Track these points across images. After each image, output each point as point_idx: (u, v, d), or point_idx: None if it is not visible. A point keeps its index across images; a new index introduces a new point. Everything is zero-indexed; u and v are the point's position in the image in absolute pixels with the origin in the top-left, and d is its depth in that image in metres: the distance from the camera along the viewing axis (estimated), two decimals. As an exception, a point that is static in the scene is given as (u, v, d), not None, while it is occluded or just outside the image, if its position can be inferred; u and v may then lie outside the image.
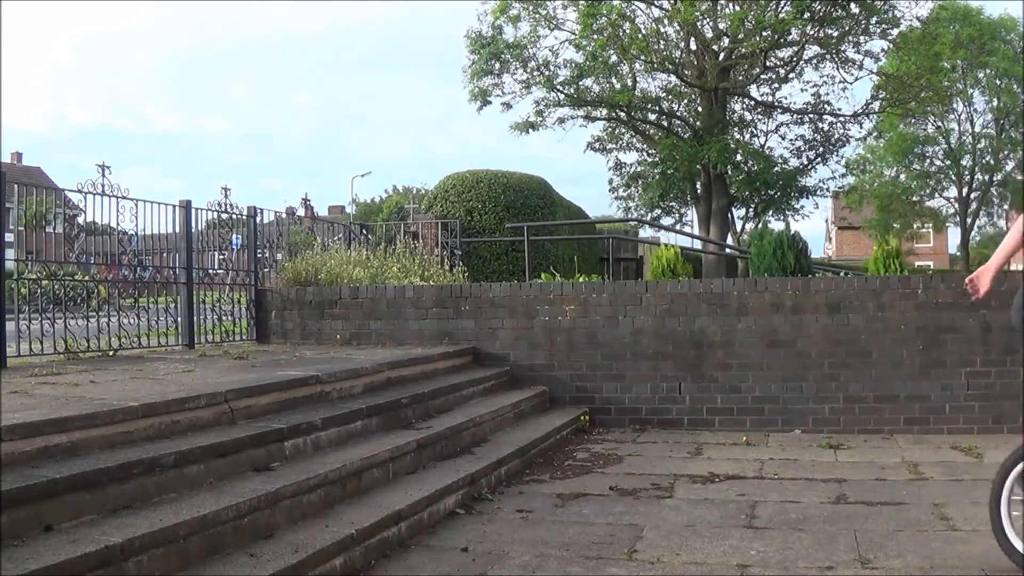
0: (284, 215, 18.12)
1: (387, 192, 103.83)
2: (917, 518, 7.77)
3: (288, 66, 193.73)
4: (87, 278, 12.24)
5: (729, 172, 40.44)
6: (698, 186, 41.88)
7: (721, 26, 38.86)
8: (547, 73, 40.06)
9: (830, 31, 38.12)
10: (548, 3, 39.36)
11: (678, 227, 46.08)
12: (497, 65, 39.79)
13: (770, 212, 43.42)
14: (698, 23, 37.64)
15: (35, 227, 12.03)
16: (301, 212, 54.91)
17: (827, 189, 47.23)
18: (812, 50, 39.85)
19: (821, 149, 44.18)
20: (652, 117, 42.58)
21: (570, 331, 13.19)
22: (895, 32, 38.48)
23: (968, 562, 6.47)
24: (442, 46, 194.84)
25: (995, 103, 57.74)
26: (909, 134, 58.23)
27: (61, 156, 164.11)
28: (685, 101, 43.36)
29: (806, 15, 35.86)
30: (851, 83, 41.17)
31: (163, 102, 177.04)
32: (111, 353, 11.63)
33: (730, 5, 38.75)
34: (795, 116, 43.86)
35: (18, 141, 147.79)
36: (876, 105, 41.59)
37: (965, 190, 61.66)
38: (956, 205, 63.25)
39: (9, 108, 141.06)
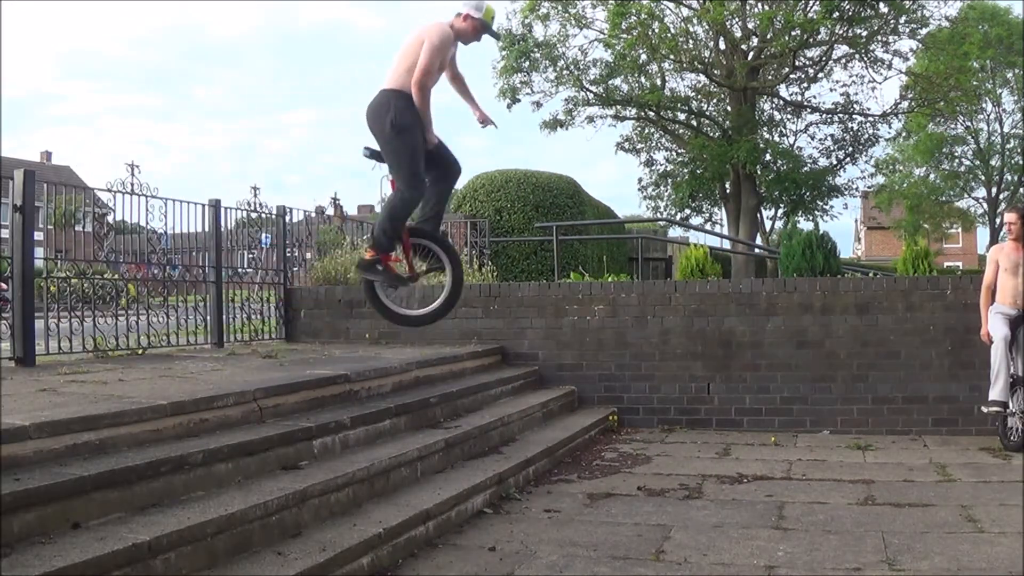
0: (313, 214, 18.11)
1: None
2: (945, 520, 7.74)
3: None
4: (116, 277, 12.27)
5: (758, 172, 40.35)
6: (727, 186, 41.81)
7: (750, 26, 38.83)
8: (576, 72, 40.06)
9: (859, 31, 37.99)
10: (577, 2, 39.43)
11: (707, 227, 46.00)
12: (527, 63, 39.80)
13: (799, 212, 43.29)
14: (727, 23, 37.58)
15: (64, 226, 12.07)
16: (330, 211, 54.86)
17: (856, 189, 47.07)
18: (841, 50, 39.76)
19: (850, 149, 43.98)
20: (681, 117, 42.54)
21: (599, 331, 13.18)
22: (924, 32, 38.34)
23: (995, 564, 6.44)
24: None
25: (1024, 103, 57.50)
26: (938, 134, 57.91)
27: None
28: (714, 101, 43.25)
29: (835, 15, 35.73)
30: (880, 83, 41.08)
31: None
32: (140, 352, 11.65)
33: (759, 5, 38.71)
34: (824, 116, 43.71)
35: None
36: (905, 105, 41.39)
37: (994, 190, 61.35)
38: (985, 205, 62.97)
39: None
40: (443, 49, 8.72)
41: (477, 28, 8.98)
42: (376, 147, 8.92)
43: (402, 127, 8.44)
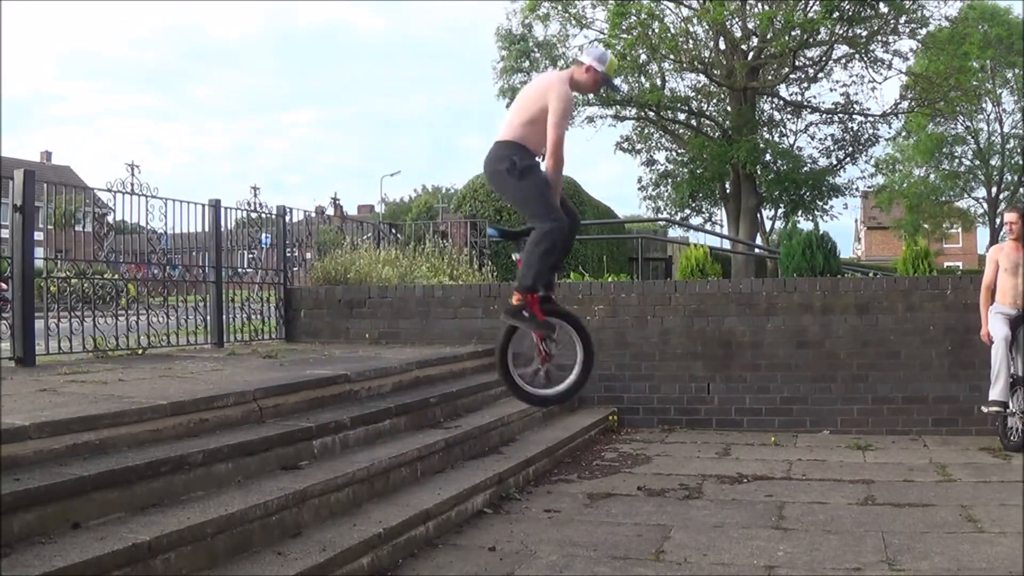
0: (313, 214, 18.13)
1: (416, 192, 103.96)
2: (944, 520, 7.75)
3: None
4: (116, 277, 12.28)
5: (758, 172, 40.36)
6: (727, 186, 41.85)
7: (750, 26, 38.86)
8: (576, 72, 40.05)
9: (859, 31, 38.03)
10: (577, 2, 39.48)
11: (707, 227, 46.02)
12: (527, 63, 39.83)
13: (799, 212, 43.29)
14: (727, 23, 37.61)
15: (64, 226, 12.08)
16: (330, 211, 54.97)
17: (856, 189, 47.05)
18: (841, 50, 39.79)
19: (850, 149, 43.97)
20: (681, 117, 42.56)
21: (599, 331, 13.15)
22: (924, 32, 38.35)
23: (995, 564, 6.45)
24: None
25: (1024, 103, 57.51)
26: (938, 134, 57.89)
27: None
28: (714, 101, 43.26)
29: (835, 15, 35.75)
30: (880, 83, 41.08)
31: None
32: (140, 352, 11.65)
33: (759, 5, 38.74)
34: (824, 116, 43.71)
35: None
36: (905, 105, 41.41)
37: (994, 190, 61.35)
38: (985, 205, 62.96)
39: None
40: (569, 113, 8.60)
41: (599, 81, 8.73)
42: (502, 227, 8.85)
43: (524, 170, 8.23)
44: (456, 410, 10.26)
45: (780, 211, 47.11)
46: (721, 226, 45.15)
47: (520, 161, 8.17)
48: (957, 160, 61.77)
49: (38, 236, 10.77)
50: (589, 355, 8.67)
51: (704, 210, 47.46)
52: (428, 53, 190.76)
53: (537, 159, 8.33)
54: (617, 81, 39.83)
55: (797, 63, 39.25)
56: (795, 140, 44.59)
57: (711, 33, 39.34)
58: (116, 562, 4.87)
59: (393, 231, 20.39)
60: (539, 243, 8.19)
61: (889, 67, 40.08)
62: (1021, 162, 57.98)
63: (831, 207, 45.03)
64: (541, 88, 8.43)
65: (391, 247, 17.50)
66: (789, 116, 44.44)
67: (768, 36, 37.15)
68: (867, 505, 8.35)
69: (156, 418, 6.62)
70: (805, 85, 42.40)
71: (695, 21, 38.80)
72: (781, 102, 43.38)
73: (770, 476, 9.68)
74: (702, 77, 41.27)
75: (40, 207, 11.36)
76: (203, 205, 13.01)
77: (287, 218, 14.63)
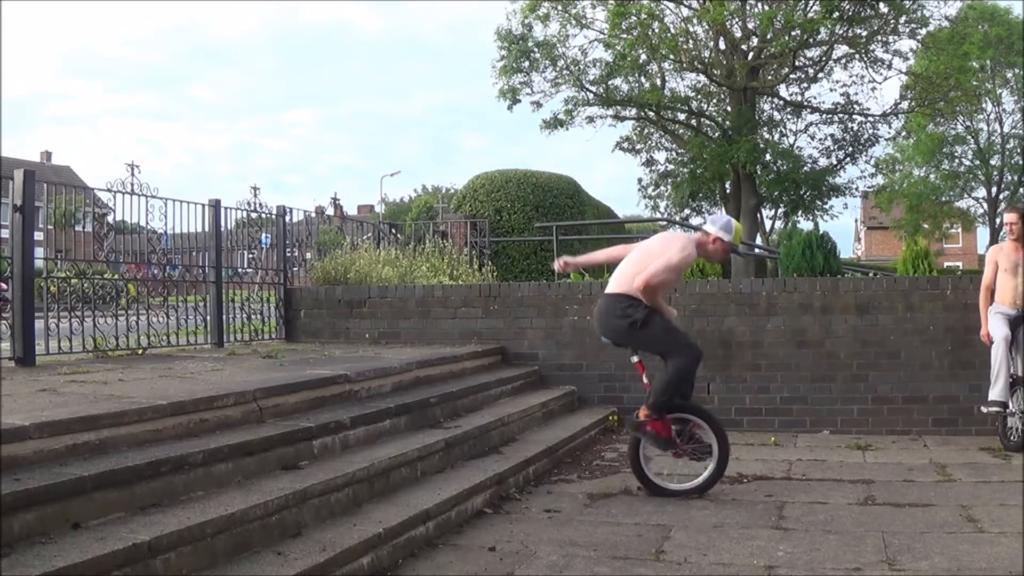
0: (313, 214, 18.14)
1: (416, 192, 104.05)
2: (944, 520, 7.75)
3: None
4: (116, 277, 12.28)
5: (758, 172, 40.35)
6: (727, 186, 41.87)
7: (750, 26, 38.88)
8: (576, 72, 40.11)
9: (859, 31, 38.05)
10: (577, 2, 39.46)
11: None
12: (527, 63, 39.84)
13: (799, 212, 43.30)
14: (727, 23, 37.63)
15: (64, 226, 12.07)
16: (330, 211, 55.05)
17: (856, 189, 47.04)
18: (841, 50, 39.81)
19: (850, 149, 43.96)
20: (681, 117, 42.57)
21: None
22: (924, 32, 38.35)
23: (995, 564, 6.44)
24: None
25: (1024, 103, 57.51)
26: (938, 134, 57.88)
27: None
28: (714, 101, 43.28)
29: (835, 15, 35.78)
30: (880, 83, 41.10)
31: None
32: (140, 352, 11.66)
33: (759, 5, 38.76)
34: (824, 116, 43.73)
35: None
36: (905, 105, 41.43)
37: (994, 190, 61.34)
38: (985, 205, 62.96)
39: None
40: (679, 270, 8.87)
41: (726, 250, 9.02)
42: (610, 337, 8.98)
43: (642, 320, 8.59)
44: (456, 410, 10.27)
45: (780, 211, 47.16)
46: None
47: (635, 313, 8.59)
48: (957, 160, 61.77)
49: (38, 236, 10.76)
50: (724, 451, 8.88)
51: (704, 210, 47.51)
52: (428, 53, 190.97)
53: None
54: (617, 80, 40.05)
55: (797, 63, 39.26)
56: (795, 140, 44.65)
57: (711, 33, 39.34)
58: (116, 562, 4.87)
59: (393, 231, 20.40)
60: (676, 375, 8.70)
61: (889, 67, 40.14)
62: (1021, 162, 58.00)
63: (831, 207, 45.09)
64: (666, 243, 8.81)
65: (391, 247, 17.51)
66: (789, 116, 44.47)
67: (768, 36, 37.14)
68: (867, 505, 8.34)
69: (156, 418, 6.62)
70: (805, 85, 42.46)
71: (695, 21, 38.81)
72: (781, 102, 43.39)
73: (770, 476, 9.67)
74: (702, 77, 41.30)
75: (40, 207, 11.37)
76: (203, 205, 13.02)
77: (287, 218, 14.64)
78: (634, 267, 8.72)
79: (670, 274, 8.67)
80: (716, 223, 8.97)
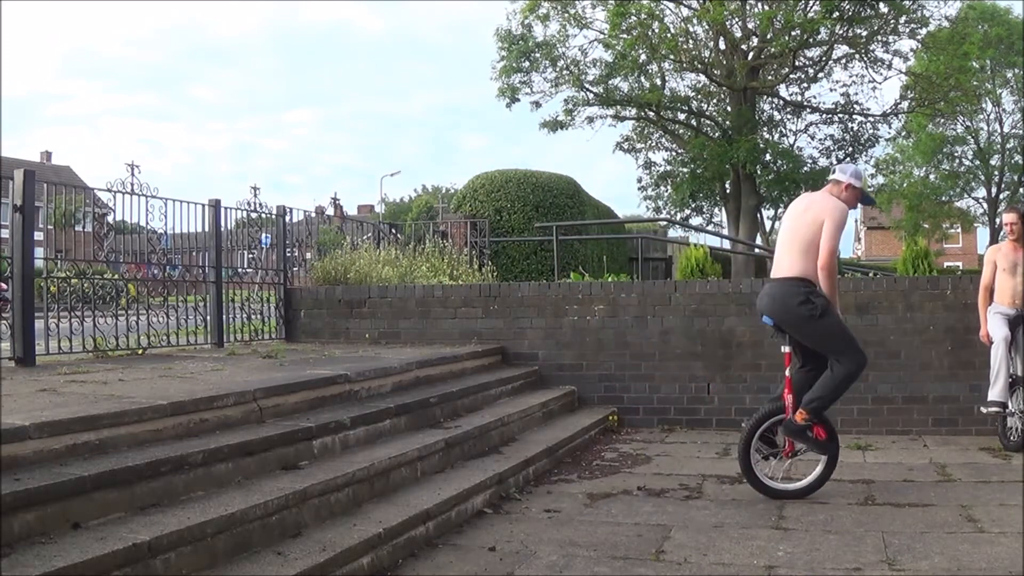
0: (313, 214, 18.13)
1: (416, 192, 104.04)
2: (944, 520, 7.74)
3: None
4: (116, 277, 12.28)
5: (758, 172, 40.39)
6: (727, 186, 41.89)
7: (750, 26, 38.91)
8: (576, 72, 40.13)
9: (859, 31, 38.10)
10: (577, 2, 39.48)
11: (707, 227, 46.06)
12: (527, 63, 39.85)
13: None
14: (727, 23, 37.66)
15: (64, 226, 12.07)
16: (330, 211, 55.00)
17: (856, 189, 47.00)
18: (841, 50, 39.88)
19: (850, 149, 44.01)
20: (681, 117, 42.60)
21: (599, 331, 13.19)
22: (924, 32, 38.39)
23: (995, 564, 6.44)
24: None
25: None
26: (938, 134, 57.93)
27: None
28: (714, 101, 43.31)
29: (835, 15, 35.81)
30: (880, 83, 41.11)
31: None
32: (140, 352, 11.66)
33: (759, 5, 38.79)
34: (824, 116, 43.82)
35: None
36: (905, 105, 41.48)
37: (994, 190, 61.39)
38: (985, 205, 63.00)
39: None
40: (842, 228, 8.65)
41: (858, 197, 8.94)
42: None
43: (822, 310, 8.40)
44: (456, 410, 10.27)
45: (780, 211, 47.15)
46: (721, 226, 45.24)
47: (817, 302, 8.40)
48: (957, 160, 61.81)
49: (38, 236, 10.76)
50: (834, 453, 8.78)
51: (704, 210, 47.55)
52: (428, 53, 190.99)
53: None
54: (617, 80, 40.02)
55: (797, 63, 39.31)
56: (795, 140, 44.74)
57: (711, 33, 39.38)
58: (116, 562, 4.86)
59: (393, 231, 20.37)
60: (843, 379, 8.45)
61: (889, 67, 40.20)
62: (1021, 162, 58.00)
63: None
64: (816, 214, 8.57)
65: (391, 247, 17.49)
66: (789, 116, 44.55)
67: (768, 36, 37.18)
68: (867, 505, 8.34)
69: (156, 418, 6.62)
70: (805, 85, 42.55)
71: (695, 21, 38.84)
72: (781, 102, 43.46)
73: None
74: (702, 77, 41.35)
75: (40, 207, 11.36)
76: (203, 205, 13.01)
77: (287, 218, 14.63)
78: (799, 244, 8.58)
79: (839, 236, 8.53)
80: (845, 171, 8.89)
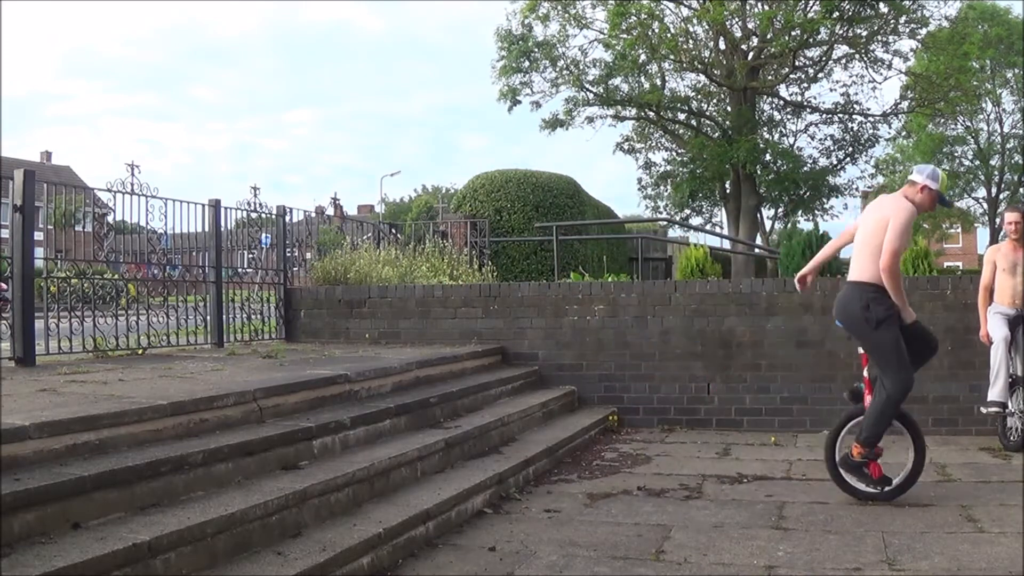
0: (313, 214, 18.13)
1: (416, 192, 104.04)
2: (944, 519, 7.75)
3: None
4: (116, 277, 12.28)
5: (758, 172, 40.41)
6: (727, 186, 41.91)
7: (750, 26, 38.94)
8: (576, 72, 40.13)
9: (859, 31, 38.11)
10: (577, 2, 39.49)
11: (707, 227, 46.09)
12: (527, 63, 39.86)
13: (799, 212, 43.37)
14: (727, 23, 37.67)
15: (64, 226, 12.07)
16: (330, 211, 54.97)
17: (856, 189, 47.12)
18: (841, 50, 39.90)
19: (850, 149, 44.09)
20: (681, 117, 42.62)
21: (599, 331, 13.19)
22: (924, 32, 38.40)
23: (995, 564, 6.44)
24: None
25: None
26: (938, 134, 57.97)
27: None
28: (714, 101, 43.34)
29: (835, 15, 35.82)
30: (880, 83, 41.13)
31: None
32: (140, 352, 11.66)
33: (759, 5, 38.81)
34: (824, 116, 43.84)
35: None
36: (905, 105, 41.48)
37: (994, 190, 61.42)
38: (985, 205, 63.03)
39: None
40: (909, 230, 8.52)
41: (934, 199, 8.75)
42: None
43: (879, 320, 8.28)
44: (456, 410, 10.27)
45: (780, 211, 47.18)
46: (721, 226, 45.27)
47: (875, 307, 8.27)
48: (957, 160, 61.80)
49: (38, 236, 10.76)
50: (920, 455, 8.67)
51: (704, 210, 47.58)
52: (428, 53, 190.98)
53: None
54: (617, 81, 40.04)
55: (797, 63, 39.33)
56: (795, 140, 44.80)
57: (711, 33, 39.41)
58: (116, 562, 4.86)
59: (393, 231, 20.37)
60: (884, 404, 8.38)
61: (889, 67, 40.22)
62: (1021, 162, 58.00)
63: (831, 207, 45.18)
64: (883, 216, 8.47)
65: (391, 247, 17.50)
66: (789, 116, 44.58)
67: (768, 36, 37.19)
68: (867, 505, 8.34)
69: (156, 418, 6.62)
70: (805, 85, 42.60)
71: (695, 21, 38.85)
72: (781, 102, 43.49)
73: (770, 476, 9.67)
74: (702, 77, 41.38)
75: (40, 207, 11.37)
76: (203, 205, 13.02)
77: (287, 218, 14.64)
78: (868, 248, 8.49)
79: (904, 238, 8.40)
80: (923, 172, 8.72)
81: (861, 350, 8.73)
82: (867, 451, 8.41)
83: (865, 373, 8.75)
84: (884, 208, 8.59)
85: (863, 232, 8.65)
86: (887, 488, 8.51)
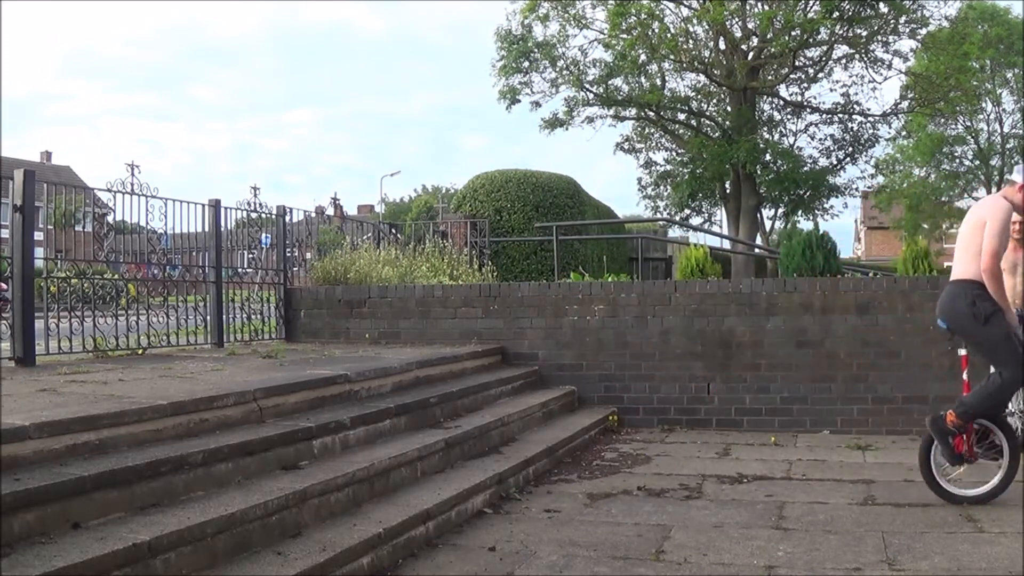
0: (313, 214, 18.12)
1: (416, 192, 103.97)
2: (944, 520, 7.75)
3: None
4: (116, 277, 12.28)
5: (758, 172, 40.36)
6: (727, 186, 41.86)
7: (750, 26, 38.88)
8: (576, 72, 40.11)
9: (859, 31, 38.05)
10: (577, 2, 39.43)
11: (707, 227, 46.04)
12: (527, 63, 39.84)
13: (799, 212, 43.35)
14: (727, 23, 37.62)
15: (64, 226, 12.07)
16: (330, 211, 54.90)
17: (856, 189, 47.07)
18: (841, 50, 39.82)
19: (850, 149, 44.01)
20: (681, 117, 42.57)
21: (599, 331, 13.19)
22: (924, 32, 38.35)
23: (995, 564, 6.44)
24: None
25: (1024, 102, 57.48)
26: (938, 134, 57.88)
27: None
28: (714, 101, 43.28)
29: (835, 15, 35.78)
30: (880, 83, 41.11)
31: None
32: (140, 352, 11.66)
33: (759, 5, 38.75)
34: (824, 116, 43.78)
35: None
36: (905, 105, 41.43)
37: (994, 190, 61.21)
38: (985, 206, 62.93)
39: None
40: (1006, 230, 8.41)
41: None
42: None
43: (986, 315, 8.20)
44: (456, 410, 10.27)
45: (780, 211, 47.15)
46: (721, 226, 45.21)
47: (981, 303, 8.20)
48: (957, 160, 61.71)
49: (38, 236, 10.76)
50: (1015, 456, 8.46)
51: (704, 210, 47.52)
52: (428, 53, 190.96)
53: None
54: (617, 81, 40.03)
55: (797, 63, 39.27)
56: (795, 140, 44.70)
57: (711, 33, 39.34)
58: (116, 562, 4.87)
59: (393, 231, 20.36)
60: (997, 391, 8.27)
61: (889, 67, 40.14)
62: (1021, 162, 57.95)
63: (831, 207, 45.13)
64: (980, 216, 8.42)
65: (391, 247, 17.50)
66: (789, 116, 44.51)
67: (768, 36, 37.14)
68: (867, 505, 8.34)
69: (156, 418, 6.62)
70: (805, 85, 42.52)
71: (695, 21, 38.77)
72: (781, 102, 43.44)
73: (770, 476, 9.67)
74: (702, 77, 41.30)
75: (40, 207, 11.37)
76: (203, 205, 13.02)
77: (287, 218, 14.64)
78: (969, 249, 8.48)
79: (1001, 237, 8.30)
80: (1022, 171, 8.64)
81: (962, 351, 8.71)
82: (960, 423, 8.37)
83: (964, 376, 8.70)
84: (983, 209, 8.56)
85: (963, 231, 8.63)
86: (981, 492, 8.39)
